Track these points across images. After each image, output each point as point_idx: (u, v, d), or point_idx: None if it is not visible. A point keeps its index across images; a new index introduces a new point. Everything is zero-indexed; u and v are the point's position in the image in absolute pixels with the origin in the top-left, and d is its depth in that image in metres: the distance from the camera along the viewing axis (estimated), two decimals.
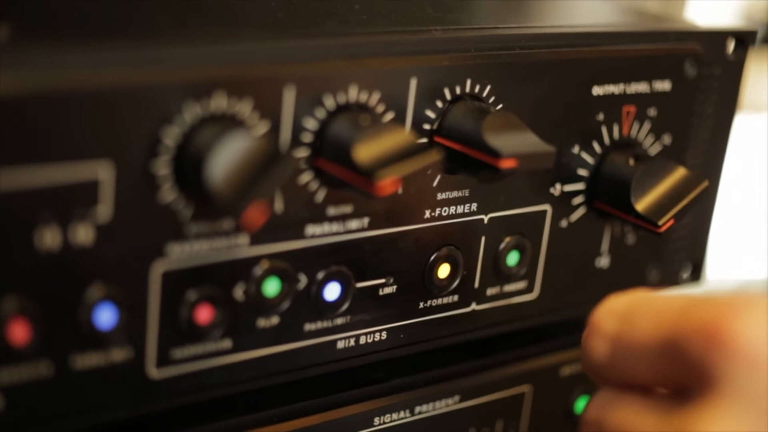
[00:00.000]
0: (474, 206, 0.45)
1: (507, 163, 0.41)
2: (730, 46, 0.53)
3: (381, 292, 0.44)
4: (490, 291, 0.48)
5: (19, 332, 0.35)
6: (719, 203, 0.55)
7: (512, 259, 0.48)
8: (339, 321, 0.43)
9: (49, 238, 0.35)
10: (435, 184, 0.44)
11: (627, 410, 0.34)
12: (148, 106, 0.35)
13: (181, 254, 0.38)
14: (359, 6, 0.46)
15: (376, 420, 0.46)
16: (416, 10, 0.48)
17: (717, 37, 0.52)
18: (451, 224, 0.45)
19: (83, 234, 0.35)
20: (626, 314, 0.35)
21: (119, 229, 0.36)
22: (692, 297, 0.34)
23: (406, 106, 0.42)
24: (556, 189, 0.48)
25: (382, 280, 0.44)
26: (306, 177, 0.40)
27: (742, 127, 0.71)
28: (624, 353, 0.35)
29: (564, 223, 0.49)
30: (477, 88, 0.43)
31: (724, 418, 0.31)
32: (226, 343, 0.40)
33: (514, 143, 0.41)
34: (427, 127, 0.42)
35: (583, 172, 0.48)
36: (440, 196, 0.44)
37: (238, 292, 0.40)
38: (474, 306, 0.47)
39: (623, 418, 0.34)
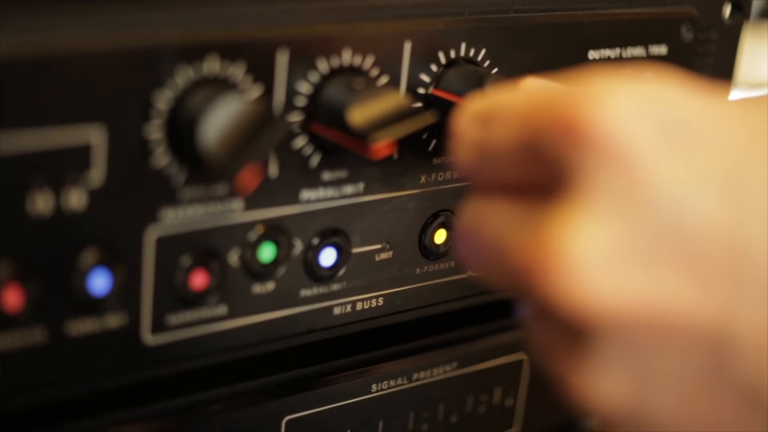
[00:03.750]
0: None
1: None
2: (727, 10, 0.52)
3: (377, 258, 0.44)
4: None
5: (13, 298, 0.35)
6: None
7: None
8: (335, 287, 0.43)
9: (42, 202, 0.34)
10: (431, 148, 0.43)
11: (493, 211, 0.31)
12: (140, 70, 0.35)
13: (175, 219, 0.38)
14: None
15: (374, 387, 0.46)
16: None
17: (713, 1, 0.52)
18: (447, 189, 0.45)
19: (76, 199, 0.35)
20: (486, 118, 0.32)
21: (112, 193, 0.36)
22: (552, 90, 0.31)
23: (401, 69, 0.41)
24: None
25: (378, 246, 0.44)
26: (300, 141, 0.40)
27: None
28: (488, 159, 0.32)
29: None
30: (472, 52, 0.43)
31: (580, 217, 0.28)
32: (222, 309, 0.40)
33: None
34: (421, 90, 0.42)
35: None
36: (436, 161, 0.44)
37: (233, 258, 0.40)
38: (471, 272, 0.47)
39: (489, 219, 0.31)
